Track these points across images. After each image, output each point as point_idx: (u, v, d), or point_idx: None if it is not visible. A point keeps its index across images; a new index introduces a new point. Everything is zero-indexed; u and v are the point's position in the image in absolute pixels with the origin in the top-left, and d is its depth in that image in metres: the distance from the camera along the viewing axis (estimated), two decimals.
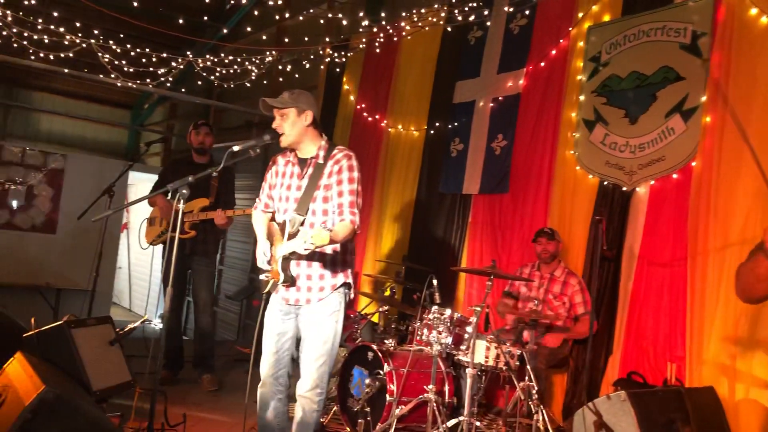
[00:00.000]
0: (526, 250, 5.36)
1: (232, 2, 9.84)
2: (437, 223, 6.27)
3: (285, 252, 3.01)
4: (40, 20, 6.14)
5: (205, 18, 9.34)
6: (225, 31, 10.38)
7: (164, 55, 7.09)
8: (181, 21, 7.35)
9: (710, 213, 4.18)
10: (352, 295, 3.28)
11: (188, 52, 8.02)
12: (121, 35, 7.00)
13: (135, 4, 6.65)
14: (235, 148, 3.05)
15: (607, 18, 5.13)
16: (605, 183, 4.89)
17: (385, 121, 7.10)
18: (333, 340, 3.13)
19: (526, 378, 3.92)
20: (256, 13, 9.43)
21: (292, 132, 3.10)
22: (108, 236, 9.29)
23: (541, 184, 5.38)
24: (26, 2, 5.98)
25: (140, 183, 12.25)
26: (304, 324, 3.14)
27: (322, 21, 7.98)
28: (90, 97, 13.73)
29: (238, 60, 7.88)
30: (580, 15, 5.30)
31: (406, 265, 5.27)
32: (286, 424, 3.24)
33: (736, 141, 4.10)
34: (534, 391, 3.80)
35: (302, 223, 3.08)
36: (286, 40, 8.09)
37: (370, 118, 7.30)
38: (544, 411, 3.76)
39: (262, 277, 3.24)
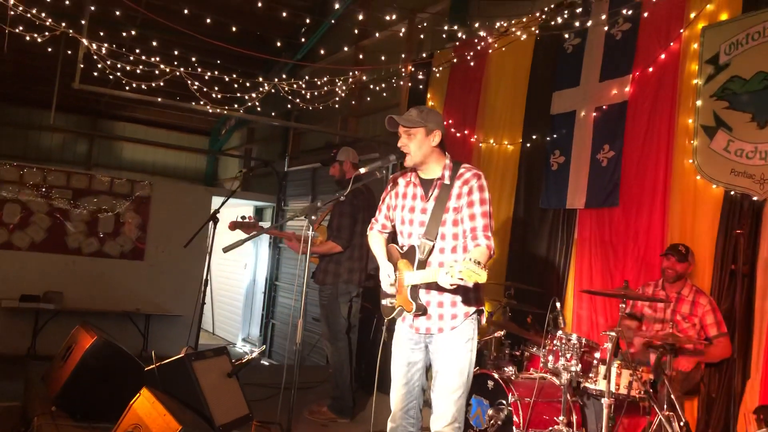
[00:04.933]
0: (643, 268, 5.03)
1: (308, 21, 9.85)
2: (539, 241, 5.99)
3: (417, 281, 2.83)
4: (137, 50, 6.22)
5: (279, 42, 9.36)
6: (304, 50, 10.39)
7: (255, 79, 7.09)
8: (278, 43, 7.31)
9: None
10: (483, 321, 3.07)
11: (269, 76, 8.06)
12: (210, 62, 7.03)
13: (234, 29, 6.65)
14: (362, 171, 2.90)
15: (724, 17, 4.78)
16: (732, 193, 4.53)
17: (475, 136, 6.89)
18: (469, 369, 2.93)
19: (665, 407, 3.61)
20: (333, 32, 9.44)
21: (419, 152, 2.94)
22: (195, 260, 9.46)
23: (657, 196, 5.04)
24: (124, 33, 6.06)
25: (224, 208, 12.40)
26: (438, 354, 2.95)
27: (402, 34, 7.88)
28: (169, 125, 14.08)
29: (319, 82, 7.85)
30: (692, 15, 4.97)
31: (514, 286, 5.01)
32: None
33: None
34: (681, 422, 3.47)
35: (431, 249, 2.90)
36: (361, 56, 7.98)
37: (458, 134, 7.09)
38: None
39: (385, 302, 3.07)
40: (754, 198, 4.39)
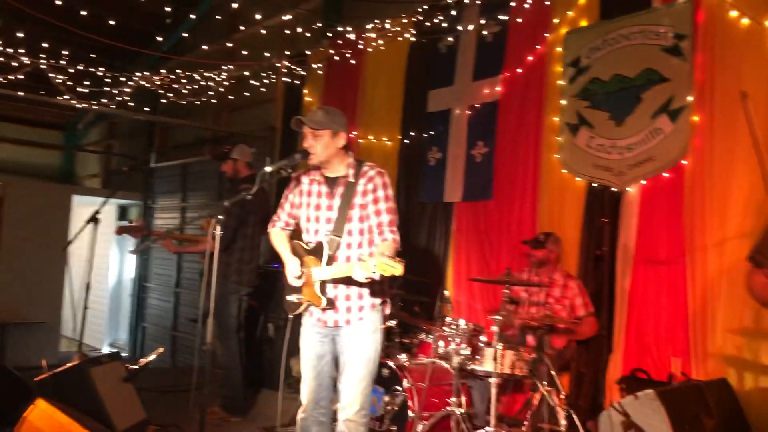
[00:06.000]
0: (516, 256, 5.40)
1: (178, 13, 9.51)
2: (420, 233, 6.24)
3: (327, 276, 2.91)
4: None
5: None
6: (170, 42, 10.01)
7: (122, 72, 6.78)
8: (158, 38, 6.91)
9: (706, 209, 4.31)
10: (388, 311, 3.20)
11: (138, 69, 7.74)
12: (82, 55, 6.64)
13: (83, 13, 6.27)
14: (268, 169, 2.93)
15: (584, 23, 5.23)
16: (594, 185, 4.98)
17: (354, 132, 7.03)
18: (375, 359, 3.06)
19: (544, 383, 3.94)
20: (203, 25, 9.19)
21: (324, 153, 3.01)
22: (51, 262, 8.88)
23: (527, 189, 5.43)
24: None
25: (79, 207, 11.68)
26: (345, 345, 3.04)
27: (276, 29, 7.83)
28: (18, 119, 13.02)
29: (193, 76, 7.65)
30: (556, 21, 5.39)
31: (404, 277, 5.19)
32: None
33: (727, 139, 4.25)
34: (561, 395, 3.81)
35: (339, 245, 2.99)
36: (245, 52, 7.87)
37: None
38: (573, 414, 3.78)
39: (291, 298, 3.13)
40: (614, 189, 4.85)
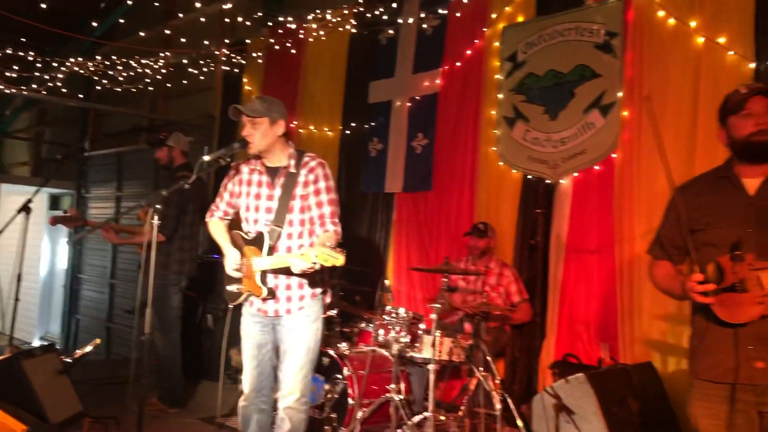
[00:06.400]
0: (455, 246, 5.51)
1: None
2: (361, 223, 6.30)
3: (268, 266, 2.93)
4: None
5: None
6: (103, 28, 9.73)
7: (55, 57, 6.57)
8: (92, 23, 6.71)
9: (634, 201, 4.51)
10: (328, 300, 3.25)
11: (70, 54, 7.51)
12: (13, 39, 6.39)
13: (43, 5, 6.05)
14: (206, 158, 2.92)
15: (521, 19, 5.37)
16: (529, 177, 5.13)
17: (295, 122, 7.01)
18: (315, 348, 3.10)
19: (481, 368, 4.06)
20: (139, 11, 8.96)
21: (263, 141, 3.02)
22: None
23: (465, 181, 5.55)
24: None
25: (6, 196, 11.25)
26: (286, 334, 3.07)
27: (214, 17, 7.73)
28: None
29: (129, 62, 7.47)
30: (494, 16, 5.51)
31: (342, 267, 5.23)
32: None
33: (653, 133, 4.45)
34: (497, 380, 3.94)
35: (279, 235, 3.01)
36: (183, 40, 7.73)
37: None
38: (508, 398, 3.91)
39: (231, 288, 3.13)
40: (548, 181, 5.02)
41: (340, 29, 6.58)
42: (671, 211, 2.53)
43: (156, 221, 2.81)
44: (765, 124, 2.26)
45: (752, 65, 4.04)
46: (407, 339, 4.05)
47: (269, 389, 3.15)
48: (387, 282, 4.36)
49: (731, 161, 2.45)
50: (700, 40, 4.26)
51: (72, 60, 7.34)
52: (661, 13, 4.50)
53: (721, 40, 4.17)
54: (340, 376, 4.07)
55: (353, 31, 6.48)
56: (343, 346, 4.35)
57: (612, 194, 4.66)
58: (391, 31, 6.27)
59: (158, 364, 5.00)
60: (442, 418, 4.00)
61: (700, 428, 2.31)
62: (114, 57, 7.50)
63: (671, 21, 4.44)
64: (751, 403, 2.21)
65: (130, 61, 7.26)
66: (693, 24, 4.31)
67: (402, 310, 4.16)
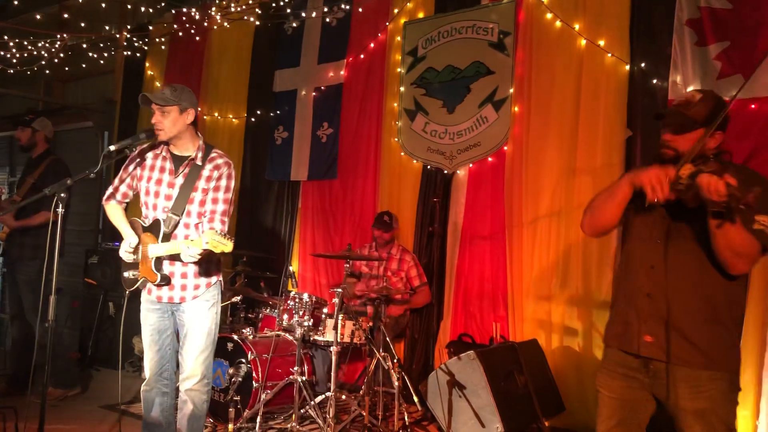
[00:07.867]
0: (359, 233, 5.71)
1: None
2: (266, 211, 6.38)
3: (161, 253, 3.00)
4: None
5: None
6: None
7: None
8: None
9: (522, 191, 4.84)
10: (221, 285, 3.33)
11: None
12: None
13: None
14: (112, 148, 2.95)
15: (421, 15, 5.59)
16: (428, 167, 5.39)
17: (198, 109, 6.96)
18: (214, 331, 3.20)
19: (380, 349, 4.27)
20: None
21: (173, 128, 3.07)
22: None
23: (369, 170, 5.75)
24: None
25: None
26: (184, 320, 3.15)
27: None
28: None
29: (23, 43, 7.18)
30: (396, 11, 5.71)
31: (246, 254, 5.32)
32: (173, 419, 3.25)
33: (541, 128, 4.79)
34: (395, 360, 4.16)
35: (177, 224, 3.08)
36: (83, 24, 7.48)
37: None
38: (406, 377, 4.14)
39: (127, 274, 3.18)
40: (445, 171, 5.28)
41: (246, 18, 6.59)
42: None
43: (61, 210, 2.82)
44: None
45: (627, 67, 4.42)
46: (310, 323, 4.21)
47: (171, 373, 3.22)
48: (291, 268, 4.48)
49: None
50: (583, 42, 4.62)
51: None
52: (548, 15, 4.83)
53: (601, 42, 4.53)
54: (244, 360, 4.18)
55: (258, 19, 6.51)
56: (248, 331, 4.45)
57: (503, 184, 4.97)
58: (294, 24, 6.35)
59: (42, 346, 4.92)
60: (344, 397, 4.19)
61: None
62: (6, 37, 7.19)
63: (558, 24, 4.78)
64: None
65: (24, 42, 6.98)
66: (577, 27, 4.66)
67: (306, 296, 4.31)
